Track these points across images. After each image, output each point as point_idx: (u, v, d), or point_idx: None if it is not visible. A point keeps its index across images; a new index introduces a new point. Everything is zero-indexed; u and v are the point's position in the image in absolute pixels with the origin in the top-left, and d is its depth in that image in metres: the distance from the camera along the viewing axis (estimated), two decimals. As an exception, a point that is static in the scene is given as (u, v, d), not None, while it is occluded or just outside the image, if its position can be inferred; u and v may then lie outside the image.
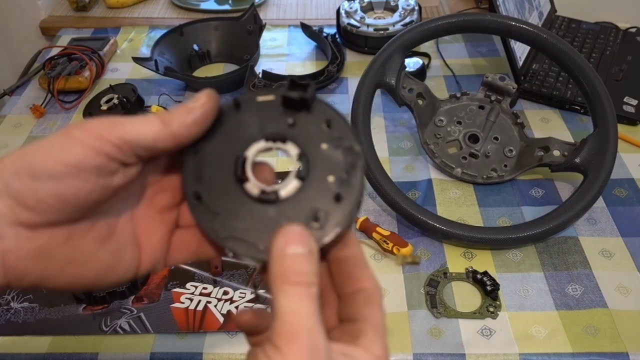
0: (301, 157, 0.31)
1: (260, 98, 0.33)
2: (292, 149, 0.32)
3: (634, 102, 0.94)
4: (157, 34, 1.09)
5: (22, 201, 0.27)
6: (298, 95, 0.32)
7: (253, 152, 0.32)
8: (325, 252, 0.32)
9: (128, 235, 0.32)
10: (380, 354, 0.29)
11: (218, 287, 0.68)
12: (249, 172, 0.32)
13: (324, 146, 0.31)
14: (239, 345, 0.62)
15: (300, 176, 0.31)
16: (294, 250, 0.27)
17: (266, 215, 0.31)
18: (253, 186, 0.31)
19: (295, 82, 0.32)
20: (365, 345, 0.29)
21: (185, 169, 0.32)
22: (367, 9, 1.15)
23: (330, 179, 0.31)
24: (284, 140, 0.32)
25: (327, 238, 0.30)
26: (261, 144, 0.32)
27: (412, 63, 1.01)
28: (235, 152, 0.32)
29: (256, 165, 0.32)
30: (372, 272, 0.31)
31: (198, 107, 0.30)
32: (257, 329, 0.33)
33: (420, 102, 0.83)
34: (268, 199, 0.31)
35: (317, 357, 0.26)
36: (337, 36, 1.11)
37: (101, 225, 0.30)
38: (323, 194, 0.31)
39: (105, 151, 0.28)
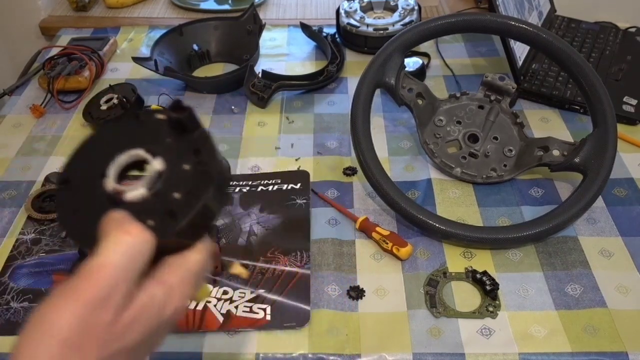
0: (159, 171, 0.35)
1: (157, 115, 0.37)
2: (157, 164, 0.35)
3: (634, 101, 0.94)
4: (157, 33, 1.09)
5: None
6: (176, 117, 0.35)
7: (125, 156, 0.36)
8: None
9: None
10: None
11: (217, 287, 0.68)
12: (111, 169, 0.35)
13: (186, 167, 0.35)
14: (239, 344, 0.62)
15: (148, 186, 0.34)
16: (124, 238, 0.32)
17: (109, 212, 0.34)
18: (109, 183, 0.35)
19: (178, 104, 0.35)
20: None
21: (75, 152, 0.37)
22: (367, 8, 1.15)
23: (176, 195, 0.34)
24: (154, 154, 0.35)
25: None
26: (135, 152, 0.36)
27: (412, 63, 1.01)
28: (113, 155, 0.36)
29: (131, 177, 0.36)
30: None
31: None
32: None
33: (419, 101, 0.83)
34: (115, 198, 0.34)
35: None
36: (336, 36, 1.11)
37: None
38: (161, 206, 0.34)
39: None
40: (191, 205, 0.33)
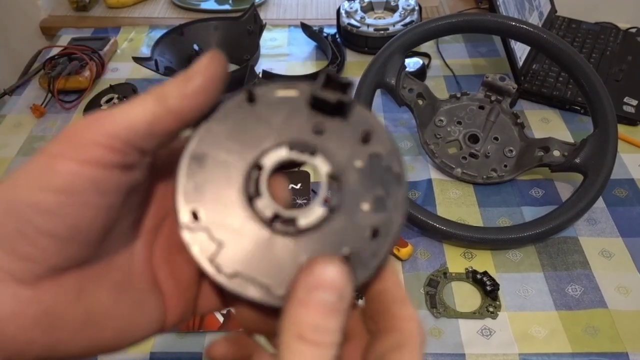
0: (333, 177, 0.25)
1: (281, 92, 0.25)
2: (323, 166, 0.25)
3: (634, 102, 0.94)
4: (157, 33, 1.09)
5: (14, 249, 0.21)
6: (335, 98, 0.24)
7: (271, 162, 0.25)
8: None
9: (148, 280, 0.26)
10: None
11: (218, 287, 0.68)
12: (263, 186, 0.24)
13: (358, 164, 0.24)
14: (239, 345, 0.62)
15: (329, 205, 0.24)
16: (320, 296, 0.21)
17: (281, 248, 0.24)
18: (266, 206, 0.24)
19: (332, 78, 0.24)
20: None
21: (180, 174, 0.24)
22: (367, 9, 1.15)
23: (365, 207, 0.24)
24: (312, 152, 0.25)
25: (361, 280, 0.24)
26: (282, 153, 0.25)
27: (412, 63, 1.01)
28: (246, 159, 0.25)
29: (271, 178, 0.25)
30: (413, 310, 0.25)
31: (198, 72, 0.23)
32: None
33: (420, 102, 0.83)
34: (283, 229, 0.24)
35: None
36: (337, 36, 1.11)
37: (116, 268, 0.24)
38: (355, 226, 0.24)
39: (95, 158, 0.21)
40: (389, 215, 0.24)
